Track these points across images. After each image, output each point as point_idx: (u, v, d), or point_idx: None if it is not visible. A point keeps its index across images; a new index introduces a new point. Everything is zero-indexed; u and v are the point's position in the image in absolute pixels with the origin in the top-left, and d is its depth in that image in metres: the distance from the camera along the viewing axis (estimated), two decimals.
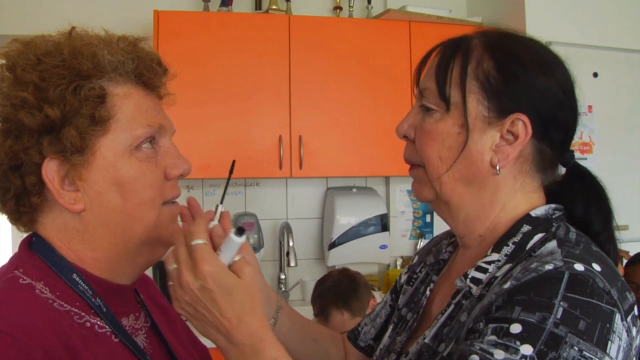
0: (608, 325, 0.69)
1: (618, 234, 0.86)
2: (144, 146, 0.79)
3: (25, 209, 0.77)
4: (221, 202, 0.88)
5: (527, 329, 0.68)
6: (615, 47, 2.94)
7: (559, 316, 0.68)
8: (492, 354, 0.68)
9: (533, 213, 0.83)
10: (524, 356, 0.67)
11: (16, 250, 0.81)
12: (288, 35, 2.76)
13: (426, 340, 0.84)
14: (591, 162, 2.85)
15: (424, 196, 0.88)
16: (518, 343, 0.68)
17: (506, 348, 0.68)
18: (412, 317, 0.95)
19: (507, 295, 0.72)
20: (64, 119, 0.73)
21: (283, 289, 3.01)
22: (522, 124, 0.80)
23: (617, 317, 0.70)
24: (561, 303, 0.69)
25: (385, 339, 0.98)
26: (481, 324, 0.72)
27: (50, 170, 0.74)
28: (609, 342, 0.68)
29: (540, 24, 2.79)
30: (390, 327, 0.99)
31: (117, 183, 0.77)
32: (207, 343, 1.05)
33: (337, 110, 2.79)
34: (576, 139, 3.43)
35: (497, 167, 0.81)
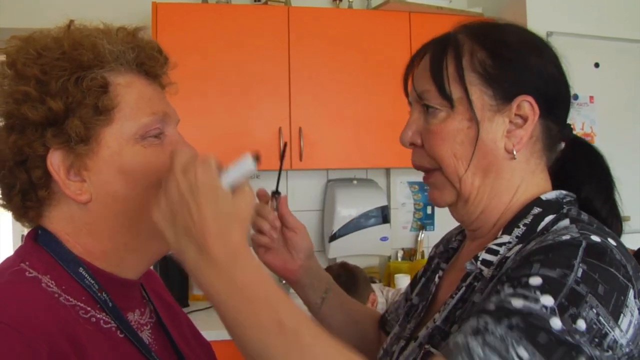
0: (623, 298, 0.69)
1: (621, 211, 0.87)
2: (150, 139, 0.79)
3: (32, 204, 0.77)
4: (276, 190, 0.93)
5: (548, 281, 0.67)
6: (617, 37, 2.92)
7: (579, 275, 0.68)
8: (509, 303, 0.67)
9: (544, 197, 0.83)
10: (545, 306, 0.66)
11: (17, 246, 0.81)
12: (287, 26, 2.75)
13: (437, 323, 0.83)
14: None
15: (444, 200, 0.88)
16: (538, 293, 0.67)
17: (525, 297, 0.67)
18: (422, 305, 0.95)
19: (523, 258, 0.72)
20: (67, 110, 0.73)
21: (284, 282, 3.01)
22: (528, 105, 0.81)
23: (631, 292, 0.70)
24: (580, 265, 0.68)
25: (396, 327, 0.99)
26: (498, 286, 0.72)
27: (55, 160, 0.74)
28: (622, 314, 0.68)
29: (541, 13, 2.78)
30: (402, 316, 1.00)
31: (122, 172, 0.76)
32: (211, 338, 1.05)
33: (337, 102, 2.78)
34: (577, 130, 3.41)
35: (514, 152, 0.82)
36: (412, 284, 1.11)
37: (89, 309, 0.74)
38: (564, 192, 0.85)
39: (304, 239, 1.05)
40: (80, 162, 0.75)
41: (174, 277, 2.73)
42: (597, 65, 2.92)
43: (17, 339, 0.62)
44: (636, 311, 0.70)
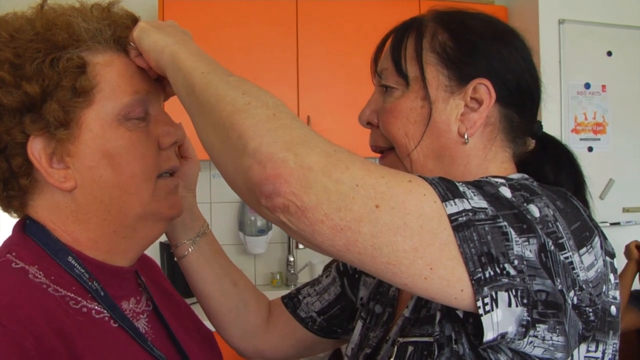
0: (587, 234, 0.67)
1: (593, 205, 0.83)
2: (134, 121, 0.76)
3: (14, 193, 0.75)
4: None
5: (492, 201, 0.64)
6: (630, 25, 2.87)
7: (539, 192, 0.67)
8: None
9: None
10: (494, 184, 0.65)
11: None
12: (296, 14, 2.73)
13: (406, 315, 0.80)
14: (604, 143, 2.81)
15: None
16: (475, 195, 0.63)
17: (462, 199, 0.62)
18: (387, 312, 0.90)
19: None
20: (44, 93, 0.70)
21: (292, 272, 3.01)
22: (484, 88, 0.78)
23: (597, 240, 0.68)
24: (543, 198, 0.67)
25: (356, 337, 0.94)
26: None
27: (36, 148, 0.71)
28: (585, 247, 0.65)
29: (553, 1, 2.73)
30: (360, 324, 0.95)
31: (107, 155, 0.74)
32: (212, 328, 1.04)
33: (346, 90, 2.76)
34: (589, 119, 3.35)
35: (466, 136, 0.78)
36: (345, 274, 1.06)
37: (79, 299, 0.72)
38: (525, 175, 0.80)
39: (191, 169, 0.97)
40: (62, 148, 0.72)
41: (179, 268, 2.72)
42: (609, 53, 2.87)
43: (2, 333, 0.60)
44: (601, 260, 0.67)
